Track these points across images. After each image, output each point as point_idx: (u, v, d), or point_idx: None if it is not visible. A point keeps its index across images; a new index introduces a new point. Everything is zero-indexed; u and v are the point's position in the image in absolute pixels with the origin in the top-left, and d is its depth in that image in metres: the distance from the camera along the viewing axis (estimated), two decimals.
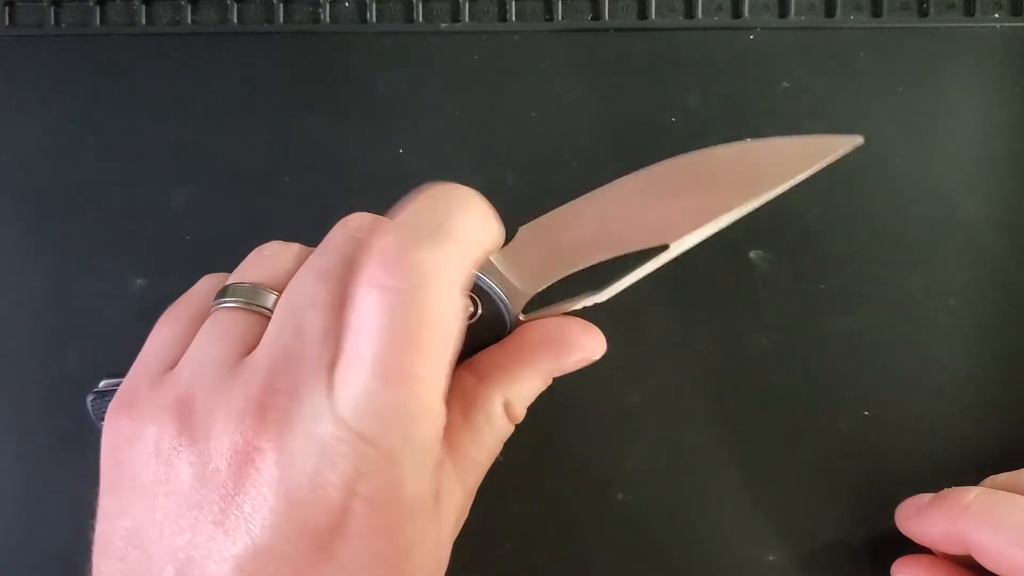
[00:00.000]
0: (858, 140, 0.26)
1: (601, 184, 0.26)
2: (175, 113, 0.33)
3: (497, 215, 0.23)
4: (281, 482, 0.20)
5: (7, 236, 0.33)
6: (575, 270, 0.25)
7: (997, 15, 0.33)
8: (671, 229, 0.25)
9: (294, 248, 0.25)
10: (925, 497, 0.29)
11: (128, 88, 0.33)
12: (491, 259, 0.25)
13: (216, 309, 0.24)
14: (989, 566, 0.26)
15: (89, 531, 0.23)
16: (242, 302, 0.23)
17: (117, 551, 0.22)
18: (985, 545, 0.26)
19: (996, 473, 0.29)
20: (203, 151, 0.33)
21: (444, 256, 0.21)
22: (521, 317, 0.25)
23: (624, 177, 0.25)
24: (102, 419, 0.24)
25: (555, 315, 0.25)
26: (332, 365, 0.21)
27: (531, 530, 0.31)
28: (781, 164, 0.25)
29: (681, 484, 0.31)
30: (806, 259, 0.32)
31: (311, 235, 0.33)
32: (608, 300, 0.25)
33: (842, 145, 0.26)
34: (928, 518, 0.28)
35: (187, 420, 0.21)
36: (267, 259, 0.25)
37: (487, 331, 0.25)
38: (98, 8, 0.34)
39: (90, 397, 0.26)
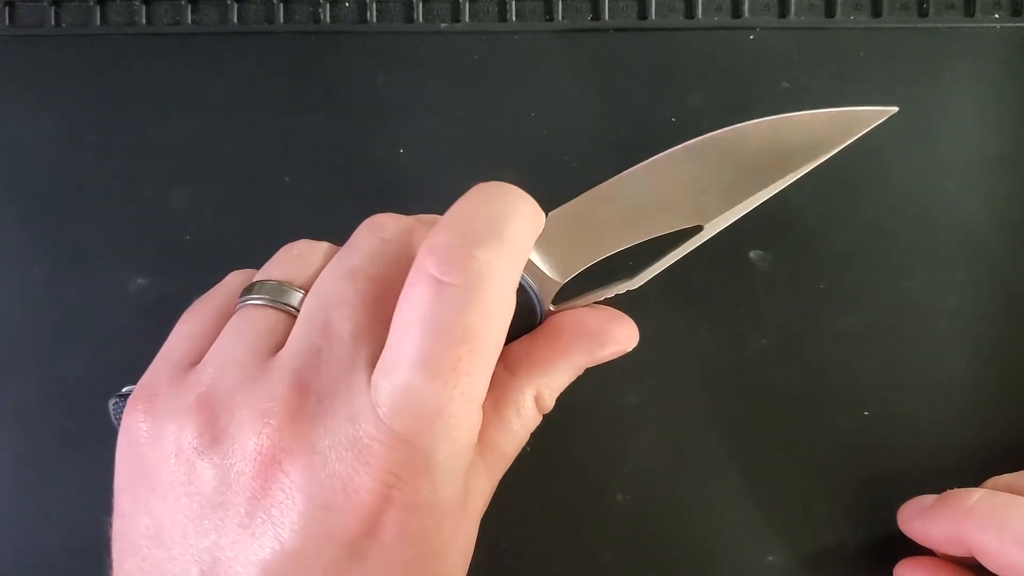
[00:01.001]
0: (892, 110, 0.25)
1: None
2: (175, 113, 0.33)
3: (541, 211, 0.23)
4: (311, 485, 0.19)
5: (7, 236, 0.33)
6: (606, 255, 0.24)
7: (997, 15, 0.33)
8: (705, 210, 0.24)
9: (323, 247, 0.25)
10: (928, 498, 0.29)
11: (128, 88, 0.33)
12: None
13: (242, 306, 0.23)
14: (992, 568, 0.26)
15: (104, 527, 0.23)
16: (268, 299, 0.23)
17: (139, 550, 0.21)
18: (988, 547, 0.26)
19: (997, 474, 0.29)
20: (203, 151, 0.33)
21: (501, 258, 0.20)
22: (551, 307, 0.25)
23: (653, 158, 0.24)
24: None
25: (587, 304, 0.25)
26: (369, 364, 0.20)
27: (531, 530, 0.31)
28: (815, 138, 0.24)
29: (681, 484, 0.31)
30: (806, 259, 0.32)
31: (311, 235, 0.33)
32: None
33: (875, 117, 0.25)
34: (931, 519, 0.28)
35: (209, 421, 0.21)
36: (295, 257, 0.24)
37: (518, 322, 0.24)
38: (98, 8, 0.33)
39: (112, 400, 0.25)
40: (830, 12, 0.33)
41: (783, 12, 0.33)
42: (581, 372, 0.25)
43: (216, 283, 0.27)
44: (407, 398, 0.20)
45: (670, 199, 0.24)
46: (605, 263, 0.24)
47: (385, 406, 0.20)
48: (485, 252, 0.20)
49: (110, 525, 0.23)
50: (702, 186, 0.24)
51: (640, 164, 0.24)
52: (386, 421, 0.20)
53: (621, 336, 0.24)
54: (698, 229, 0.24)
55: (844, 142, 0.24)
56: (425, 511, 0.20)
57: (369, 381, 0.20)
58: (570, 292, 0.25)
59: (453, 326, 0.20)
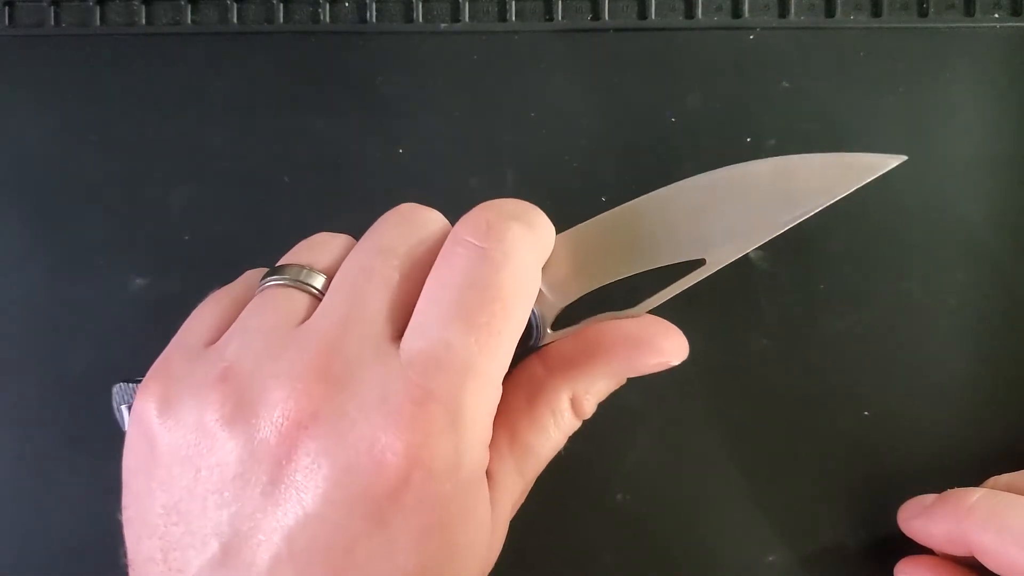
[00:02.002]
0: (901, 158, 0.25)
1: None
2: (175, 113, 0.33)
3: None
4: (338, 448, 0.19)
5: (7, 235, 0.33)
6: (607, 282, 0.24)
7: (997, 15, 0.33)
8: (709, 245, 0.24)
9: (343, 237, 0.25)
10: (928, 498, 0.29)
11: (128, 88, 0.33)
12: None
13: (263, 287, 0.24)
14: (992, 567, 0.26)
15: (113, 525, 0.23)
16: (291, 280, 0.23)
17: (155, 529, 0.21)
18: (988, 546, 0.26)
19: (997, 474, 0.29)
20: (203, 151, 0.33)
21: (533, 235, 0.22)
22: (549, 331, 0.25)
23: (658, 190, 0.25)
24: (126, 405, 0.24)
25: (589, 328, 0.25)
26: (398, 332, 0.21)
27: (531, 530, 0.31)
28: (822, 182, 0.24)
29: (681, 484, 0.31)
30: (806, 259, 0.32)
31: (311, 235, 0.33)
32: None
33: (884, 164, 0.25)
34: (931, 519, 0.28)
35: (233, 392, 0.21)
36: (317, 245, 0.25)
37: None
38: (98, 8, 0.34)
39: (117, 386, 0.25)
40: (830, 12, 0.33)
41: (783, 12, 0.33)
42: (623, 381, 0.25)
43: (216, 283, 0.27)
44: (440, 353, 0.20)
45: (675, 231, 0.24)
46: (603, 290, 0.25)
47: (417, 364, 0.20)
48: (519, 226, 0.22)
49: (120, 521, 0.22)
50: (707, 221, 0.24)
51: (646, 195, 0.25)
52: (415, 379, 0.20)
53: (667, 348, 0.24)
54: (701, 263, 0.24)
55: (852, 187, 0.25)
56: (445, 475, 0.20)
57: (399, 347, 0.21)
58: (568, 320, 0.25)
59: (489, 282, 0.21)
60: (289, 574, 0.19)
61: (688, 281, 0.24)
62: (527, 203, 0.23)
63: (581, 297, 0.25)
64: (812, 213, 0.24)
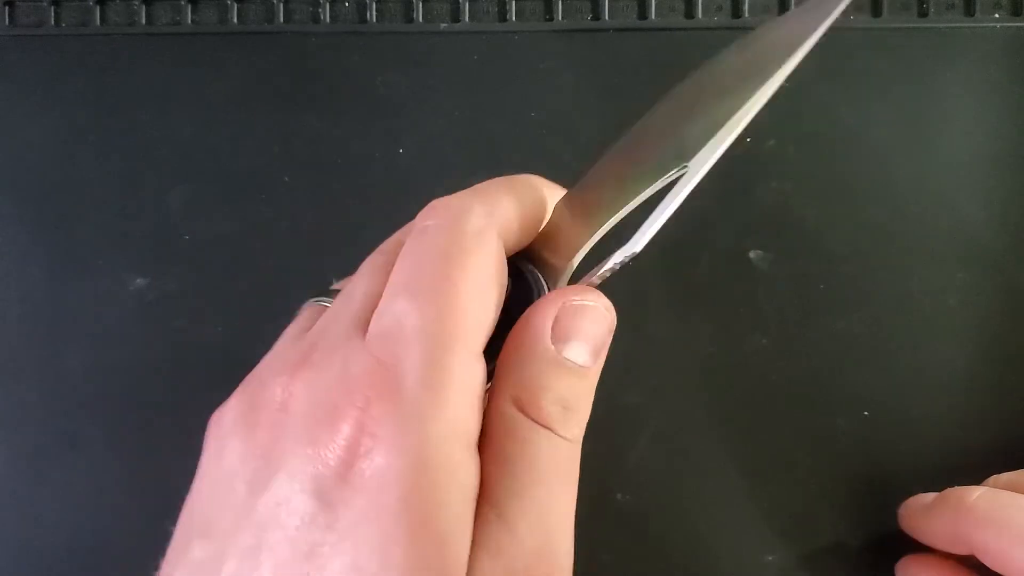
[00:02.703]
0: None
1: None
2: (175, 113, 0.33)
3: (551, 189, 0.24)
4: (302, 421, 0.20)
5: (6, 235, 0.33)
6: (606, 228, 0.22)
7: (997, 15, 0.33)
8: (686, 149, 0.21)
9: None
10: (928, 496, 0.29)
11: (128, 88, 0.33)
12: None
13: (302, 309, 0.26)
14: (992, 566, 0.26)
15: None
16: (318, 301, 0.25)
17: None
18: (988, 545, 0.26)
19: (997, 472, 0.29)
20: (203, 151, 0.33)
21: (476, 200, 0.22)
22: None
23: (632, 128, 0.23)
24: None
25: (592, 283, 0.22)
26: (370, 315, 0.21)
27: None
28: (783, 40, 0.22)
29: (681, 484, 0.31)
30: (806, 259, 0.32)
31: (311, 235, 0.33)
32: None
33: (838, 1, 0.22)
34: (931, 517, 0.28)
35: (248, 397, 0.22)
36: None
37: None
38: (98, 8, 0.34)
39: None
40: None
41: (783, 12, 0.33)
42: (561, 368, 0.21)
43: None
44: (390, 323, 0.20)
45: (651, 151, 0.22)
46: (611, 240, 0.22)
47: (374, 340, 0.20)
48: (463, 197, 0.22)
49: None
50: (680, 127, 0.22)
51: (625, 132, 0.24)
52: (369, 349, 0.20)
53: (537, 319, 0.21)
54: (684, 170, 0.21)
55: (814, 35, 0.22)
56: (398, 448, 0.19)
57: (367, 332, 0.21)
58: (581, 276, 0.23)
59: (430, 250, 0.21)
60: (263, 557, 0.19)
61: (676, 197, 0.21)
62: (504, 178, 0.23)
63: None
64: (786, 75, 0.22)
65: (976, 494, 0.27)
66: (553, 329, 0.21)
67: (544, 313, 0.21)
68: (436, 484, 0.19)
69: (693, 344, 0.32)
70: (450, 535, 0.19)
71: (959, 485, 0.28)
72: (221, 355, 0.32)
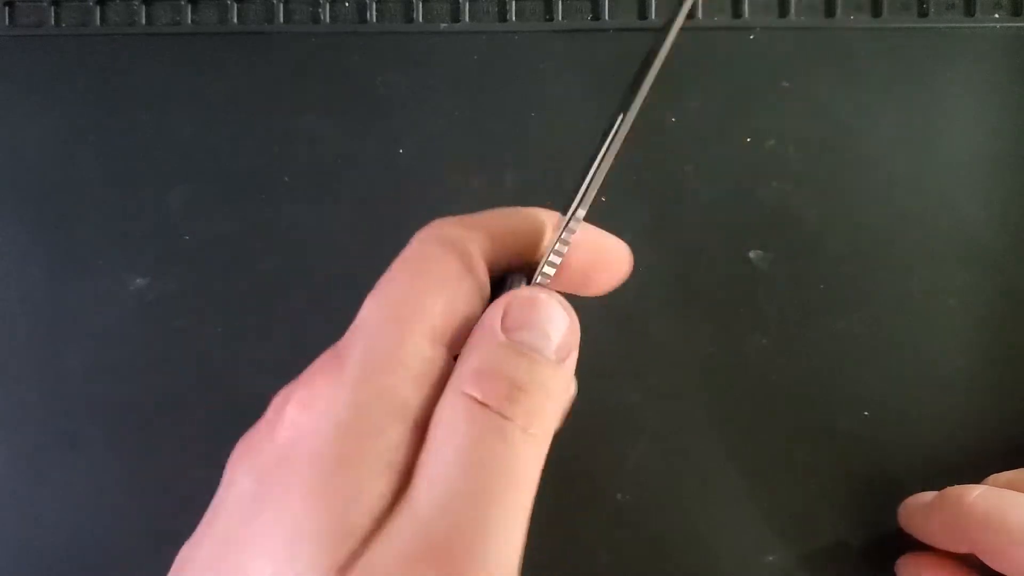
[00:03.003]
0: None
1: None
2: (175, 113, 0.33)
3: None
4: (264, 421, 0.21)
5: (7, 235, 0.33)
6: (566, 222, 0.22)
7: (997, 15, 0.33)
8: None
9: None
10: (928, 495, 0.29)
11: (128, 88, 0.33)
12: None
13: None
14: (992, 564, 0.26)
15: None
16: None
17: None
18: (988, 543, 0.26)
19: (997, 471, 0.29)
20: (203, 151, 0.33)
21: (458, 220, 0.22)
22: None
23: None
24: None
25: (550, 264, 0.22)
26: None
27: (530, 530, 0.31)
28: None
29: (681, 484, 0.31)
30: (806, 259, 0.32)
31: (311, 235, 0.33)
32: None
33: None
34: (931, 516, 0.28)
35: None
36: None
37: None
38: (98, 8, 0.33)
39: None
40: (830, 12, 0.33)
41: (783, 12, 0.33)
42: (508, 349, 0.20)
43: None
44: (355, 321, 0.21)
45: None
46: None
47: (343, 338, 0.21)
48: (445, 218, 0.22)
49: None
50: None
51: None
52: (335, 346, 0.21)
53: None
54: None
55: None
56: (322, 412, 0.19)
57: None
58: None
59: (397, 259, 0.22)
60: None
61: (611, 148, 0.23)
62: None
63: None
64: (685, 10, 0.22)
65: (976, 493, 0.27)
66: (503, 320, 0.21)
67: (496, 305, 0.21)
68: (349, 445, 0.19)
69: (693, 344, 0.32)
70: (352, 500, 0.18)
71: (959, 484, 0.28)
72: (221, 355, 0.32)
